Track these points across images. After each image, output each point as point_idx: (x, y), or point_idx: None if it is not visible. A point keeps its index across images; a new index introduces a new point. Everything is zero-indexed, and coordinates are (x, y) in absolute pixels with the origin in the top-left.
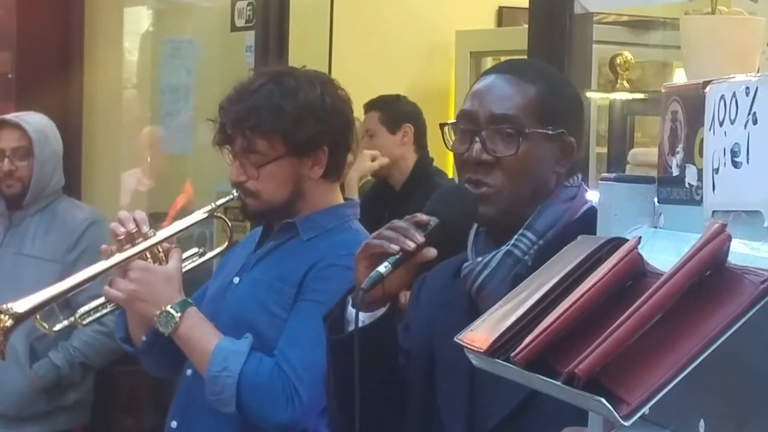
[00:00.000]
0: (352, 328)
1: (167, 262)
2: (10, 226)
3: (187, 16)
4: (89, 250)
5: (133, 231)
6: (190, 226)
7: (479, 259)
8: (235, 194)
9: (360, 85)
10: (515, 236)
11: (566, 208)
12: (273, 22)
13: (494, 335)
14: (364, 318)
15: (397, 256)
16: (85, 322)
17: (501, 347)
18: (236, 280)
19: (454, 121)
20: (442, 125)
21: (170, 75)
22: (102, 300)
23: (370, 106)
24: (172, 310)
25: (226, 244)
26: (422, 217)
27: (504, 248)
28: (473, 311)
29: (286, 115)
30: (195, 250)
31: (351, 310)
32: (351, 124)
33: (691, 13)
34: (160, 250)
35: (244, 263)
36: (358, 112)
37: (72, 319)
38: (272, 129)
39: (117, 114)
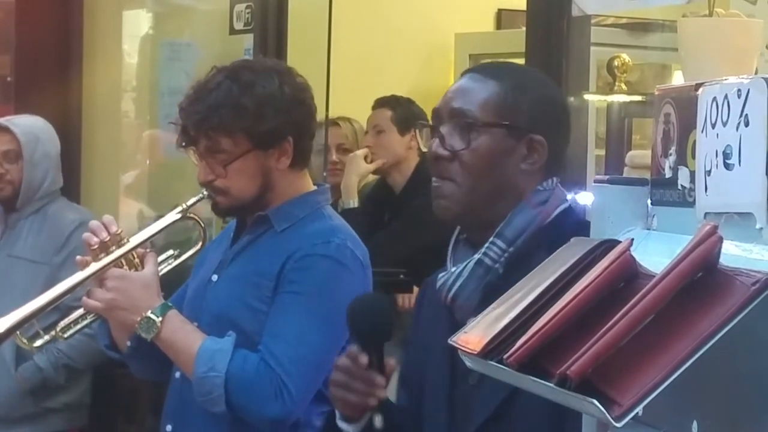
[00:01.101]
0: None
1: (143, 268)
2: (5, 228)
3: (185, 19)
4: (76, 252)
5: (106, 239)
6: (163, 229)
7: (453, 269)
8: (205, 193)
9: (359, 87)
10: (485, 245)
11: (537, 213)
12: (271, 25)
13: (488, 337)
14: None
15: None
16: (66, 335)
17: (494, 349)
18: (215, 277)
19: (427, 122)
20: (417, 126)
21: (169, 78)
22: (82, 311)
23: (381, 103)
24: (152, 316)
25: (200, 244)
26: (362, 357)
27: (475, 257)
28: (452, 322)
29: (246, 111)
30: (170, 252)
31: (340, 425)
32: (313, 111)
33: (689, 16)
34: (135, 256)
35: (221, 260)
36: (359, 114)
37: (53, 333)
38: (234, 127)
39: (116, 117)
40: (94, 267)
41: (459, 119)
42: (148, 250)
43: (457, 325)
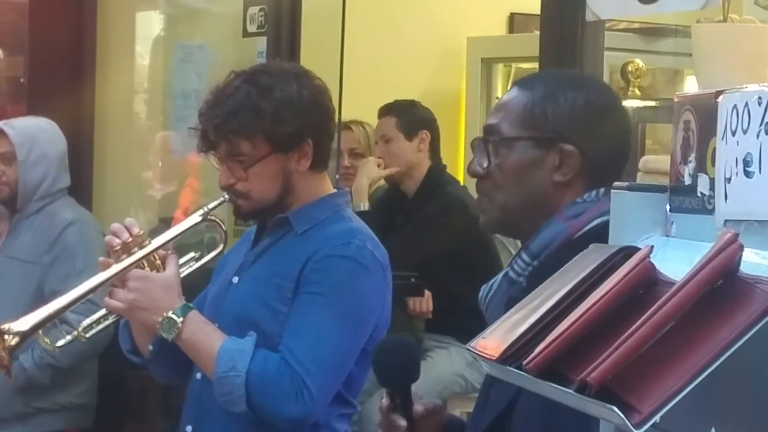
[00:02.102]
0: None
1: (164, 269)
2: (9, 229)
3: (199, 21)
4: (65, 252)
5: (128, 240)
6: (184, 231)
7: (491, 281)
8: (226, 197)
9: (371, 91)
10: (513, 257)
11: (566, 227)
12: (285, 28)
13: (506, 343)
14: None
15: None
16: (88, 335)
17: (513, 355)
18: (235, 279)
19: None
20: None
21: (182, 80)
22: (103, 312)
23: (385, 111)
24: (173, 316)
25: (222, 246)
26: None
27: (505, 270)
28: None
29: (265, 114)
30: (192, 254)
31: None
32: (331, 112)
33: (702, 21)
34: (157, 257)
35: (242, 262)
36: (371, 118)
37: (75, 333)
38: (254, 130)
39: (128, 119)
40: (116, 268)
41: (488, 135)
42: (169, 252)
43: None
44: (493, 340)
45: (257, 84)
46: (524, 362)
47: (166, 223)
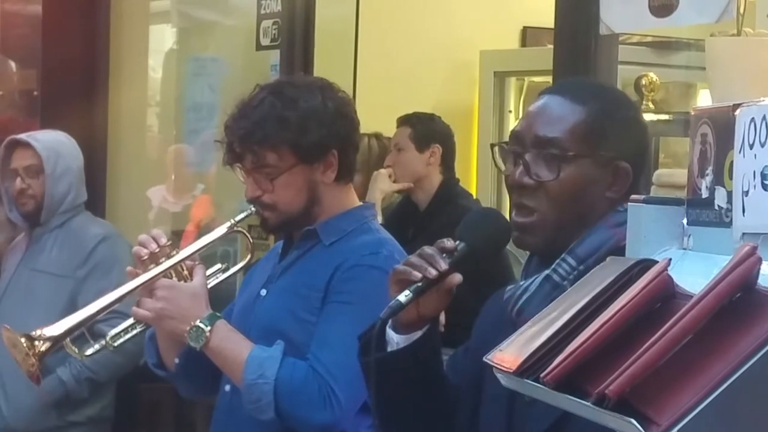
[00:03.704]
0: (389, 348)
1: (192, 279)
2: (30, 242)
3: (212, 34)
4: (100, 266)
5: (156, 251)
6: (211, 242)
7: (521, 282)
8: (252, 209)
9: (384, 104)
10: (557, 261)
11: (612, 235)
12: (298, 41)
13: (523, 355)
14: (399, 341)
15: (419, 284)
16: (116, 344)
17: (530, 367)
18: (263, 292)
19: (504, 141)
20: (492, 145)
21: (195, 93)
22: (131, 321)
23: (403, 121)
24: (201, 325)
25: (249, 257)
26: (448, 243)
27: (544, 273)
28: None
29: (290, 125)
30: (218, 266)
31: (388, 332)
32: (356, 124)
33: (716, 35)
34: (184, 267)
35: (269, 275)
36: (385, 130)
37: (103, 342)
38: (279, 140)
39: (141, 131)
40: (144, 277)
41: (546, 148)
42: (197, 262)
43: None
44: (510, 353)
45: (282, 95)
46: (542, 375)
47: (178, 236)
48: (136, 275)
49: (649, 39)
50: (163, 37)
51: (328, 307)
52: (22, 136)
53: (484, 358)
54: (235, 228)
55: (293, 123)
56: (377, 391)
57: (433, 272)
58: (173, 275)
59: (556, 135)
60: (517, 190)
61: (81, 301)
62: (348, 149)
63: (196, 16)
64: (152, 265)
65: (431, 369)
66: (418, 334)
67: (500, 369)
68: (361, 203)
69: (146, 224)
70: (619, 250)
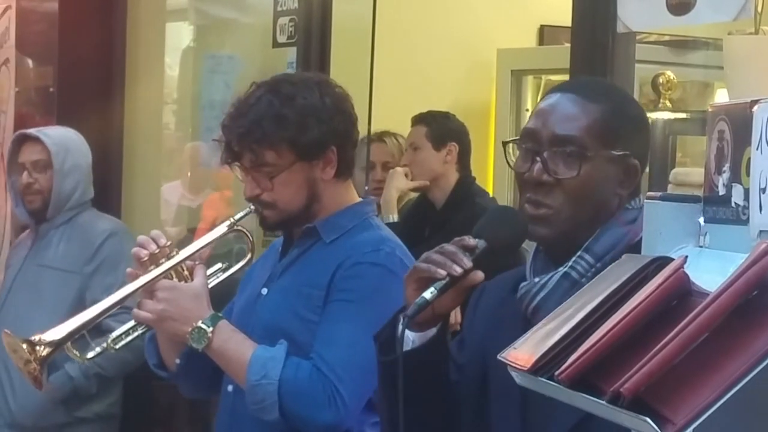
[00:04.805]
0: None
1: (192, 280)
2: (36, 238)
3: (228, 31)
4: (107, 262)
5: (156, 251)
6: (211, 242)
7: (536, 279)
8: (252, 208)
9: (401, 102)
10: (573, 258)
11: (626, 231)
12: (315, 39)
13: (538, 353)
14: (415, 339)
15: (444, 282)
16: (117, 347)
17: (545, 365)
18: (264, 291)
19: (517, 138)
20: (504, 143)
21: (211, 91)
22: (132, 323)
23: (418, 120)
24: (203, 325)
25: (249, 256)
26: (470, 241)
27: (562, 270)
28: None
29: (288, 123)
30: (219, 265)
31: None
32: (354, 119)
33: (734, 33)
34: (185, 268)
35: (270, 274)
36: (399, 129)
37: (104, 345)
38: (278, 138)
39: (157, 128)
40: (144, 278)
41: (565, 146)
42: (197, 262)
43: None
44: (525, 351)
45: (279, 93)
46: (556, 373)
47: (194, 233)
48: (137, 277)
49: (667, 38)
50: (179, 35)
51: (330, 305)
52: (32, 130)
53: (498, 356)
54: (235, 227)
55: (291, 121)
56: (392, 390)
57: (458, 270)
58: (174, 276)
59: (574, 133)
60: (534, 186)
61: (88, 297)
62: (347, 145)
63: (213, 13)
64: (152, 266)
65: (442, 366)
66: (433, 331)
67: (514, 367)
68: (361, 199)
69: (161, 221)
70: (633, 247)
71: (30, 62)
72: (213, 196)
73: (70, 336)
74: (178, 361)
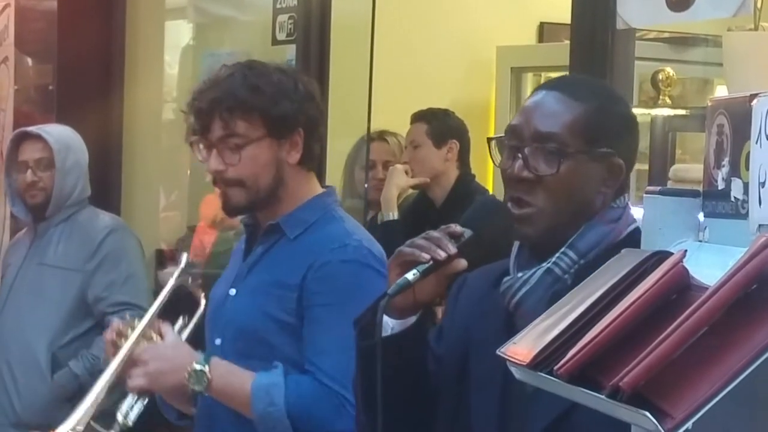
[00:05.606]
0: (383, 334)
1: (163, 338)
2: (35, 237)
3: (228, 29)
4: (108, 258)
5: (119, 328)
6: (163, 302)
7: (519, 274)
8: (186, 257)
9: (400, 99)
10: (557, 254)
11: (610, 230)
12: (314, 37)
13: (537, 348)
14: (395, 326)
15: (427, 265)
16: (130, 422)
17: (544, 360)
18: (233, 291)
19: (501, 135)
20: (489, 139)
21: None
22: (133, 397)
23: (418, 117)
24: (198, 366)
25: (205, 303)
26: (456, 228)
27: (545, 266)
28: (510, 326)
29: (263, 93)
30: (180, 322)
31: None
32: (322, 113)
33: (733, 30)
34: (152, 333)
35: (237, 274)
36: (399, 127)
37: (117, 427)
38: (251, 107)
39: (157, 127)
40: (123, 351)
41: (546, 143)
42: (160, 322)
43: (515, 330)
44: (524, 346)
45: (253, 69)
46: (555, 367)
47: (192, 230)
48: (115, 354)
49: (666, 35)
50: (179, 33)
51: (310, 312)
52: (32, 128)
53: (497, 352)
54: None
55: (265, 92)
56: (369, 375)
57: (442, 254)
58: (145, 343)
59: (555, 130)
60: (515, 183)
61: (90, 295)
62: (313, 134)
63: (212, 11)
64: (122, 340)
65: (420, 354)
66: (412, 319)
67: (513, 362)
68: (323, 189)
69: (160, 220)
70: (617, 245)
71: (29, 60)
72: (211, 196)
73: (81, 422)
74: (194, 410)
